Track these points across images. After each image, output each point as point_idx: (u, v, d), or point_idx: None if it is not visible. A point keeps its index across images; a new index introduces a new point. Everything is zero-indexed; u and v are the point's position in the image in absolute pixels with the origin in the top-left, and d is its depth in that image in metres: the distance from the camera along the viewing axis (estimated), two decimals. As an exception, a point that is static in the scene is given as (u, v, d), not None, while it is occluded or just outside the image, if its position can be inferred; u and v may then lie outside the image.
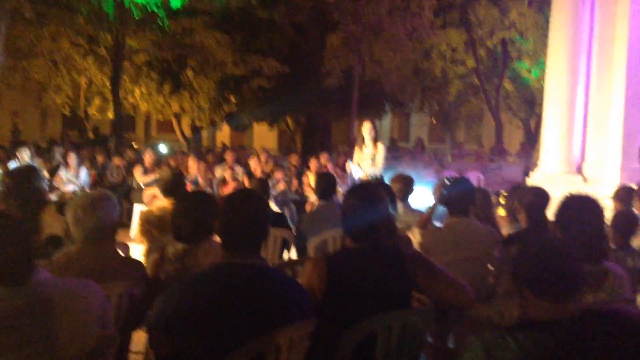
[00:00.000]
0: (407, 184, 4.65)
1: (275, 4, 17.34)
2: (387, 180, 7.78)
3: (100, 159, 11.50)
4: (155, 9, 16.95)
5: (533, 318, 1.64)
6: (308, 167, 11.10)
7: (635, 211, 4.50)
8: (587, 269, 1.77)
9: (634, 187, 5.07)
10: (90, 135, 20.23)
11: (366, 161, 7.47)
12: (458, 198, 3.53)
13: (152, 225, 4.23)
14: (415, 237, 3.67)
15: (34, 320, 2.04)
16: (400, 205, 4.52)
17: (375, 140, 7.40)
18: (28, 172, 3.93)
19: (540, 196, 3.63)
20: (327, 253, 2.76)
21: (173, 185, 4.34)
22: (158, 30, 17.07)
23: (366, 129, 7.49)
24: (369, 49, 17.32)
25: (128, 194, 9.50)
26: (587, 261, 2.30)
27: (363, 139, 7.51)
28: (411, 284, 2.51)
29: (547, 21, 17.92)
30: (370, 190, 2.68)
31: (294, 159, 11.70)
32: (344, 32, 16.78)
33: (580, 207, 2.76)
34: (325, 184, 4.77)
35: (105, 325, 2.26)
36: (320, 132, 19.98)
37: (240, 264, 2.24)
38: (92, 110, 20.35)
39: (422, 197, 4.86)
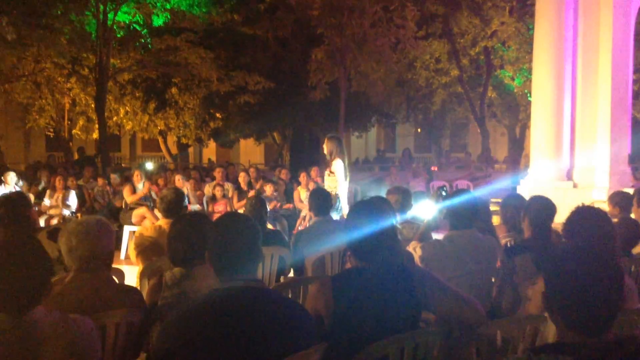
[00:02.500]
0: (404, 197, 4.60)
1: (258, 20, 17.36)
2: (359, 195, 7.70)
3: (88, 179, 11.36)
4: (138, 28, 16.94)
5: (562, 340, 1.57)
6: (298, 182, 11.03)
7: (633, 216, 4.48)
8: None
9: (629, 191, 5.05)
10: (76, 156, 20.02)
11: (329, 177, 7.43)
12: (461, 211, 3.48)
13: (147, 248, 4.13)
14: (415, 251, 3.61)
15: (24, 357, 1.97)
16: (397, 218, 4.46)
17: (332, 155, 7.29)
18: (18, 198, 3.83)
19: (547, 206, 3.59)
20: (335, 274, 2.67)
21: (175, 206, 4.24)
22: (141, 48, 17.03)
23: (325, 145, 7.45)
24: (354, 61, 17.35)
25: (114, 215, 9.35)
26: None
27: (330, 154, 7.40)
28: (420, 303, 2.45)
29: (528, 29, 18.18)
30: (376, 206, 2.61)
31: (283, 174, 11.63)
32: (328, 46, 16.80)
33: (591, 218, 2.72)
34: (321, 200, 4.70)
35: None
36: (307, 146, 19.96)
37: (239, 288, 2.16)
38: (76, 131, 20.18)
39: (417, 208, 4.79)
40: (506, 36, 19.66)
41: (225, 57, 17.55)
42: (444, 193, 3.91)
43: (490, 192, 11.58)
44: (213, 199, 9.89)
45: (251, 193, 9.88)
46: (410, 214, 4.78)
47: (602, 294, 1.56)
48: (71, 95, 18.40)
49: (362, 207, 2.69)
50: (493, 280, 3.65)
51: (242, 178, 10.57)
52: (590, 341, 1.54)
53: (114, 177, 10.52)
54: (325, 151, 7.37)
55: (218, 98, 18.34)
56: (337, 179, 7.09)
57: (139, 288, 3.49)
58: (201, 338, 2.06)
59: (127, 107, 18.64)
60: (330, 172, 7.25)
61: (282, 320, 2.15)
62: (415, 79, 21.76)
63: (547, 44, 9.47)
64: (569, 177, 9.65)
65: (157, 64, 16.68)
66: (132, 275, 4.25)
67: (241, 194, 10.10)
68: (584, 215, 2.80)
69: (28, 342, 2.02)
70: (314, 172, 11.21)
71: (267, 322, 2.11)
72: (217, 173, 10.68)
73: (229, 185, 10.39)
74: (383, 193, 5.25)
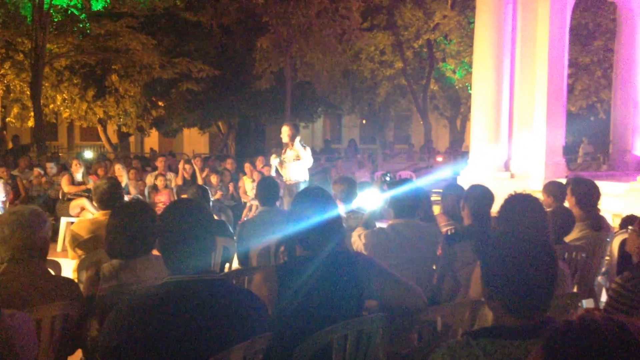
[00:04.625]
0: (349, 187, 4.63)
1: (202, 6, 17.05)
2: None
3: (23, 169, 10.91)
4: (76, 12, 16.32)
5: (498, 324, 1.61)
6: (243, 172, 10.95)
7: (567, 205, 4.65)
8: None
9: (563, 181, 5.25)
10: (10, 145, 19.18)
11: (290, 162, 7.54)
12: (405, 200, 3.53)
13: (84, 241, 4.00)
14: (361, 238, 3.64)
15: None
16: (342, 208, 4.49)
17: (293, 140, 7.50)
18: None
19: (486, 195, 3.69)
20: (280, 263, 2.66)
21: (109, 196, 4.09)
22: (80, 33, 16.44)
23: (284, 132, 7.59)
24: (299, 51, 17.32)
25: (50, 206, 9.02)
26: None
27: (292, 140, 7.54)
28: (364, 290, 2.47)
29: (469, 22, 18.58)
30: (320, 195, 2.60)
31: (229, 164, 11.51)
32: (273, 35, 16.70)
33: (523, 205, 2.81)
34: (267, 190, 4.66)
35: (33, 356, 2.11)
36: (253, 136, 19.83)
37: (194, 281, 2.07)
38: (11, 119, 19.32)
39: (361, 198, 4.85)
40: (448, 29, 20.04)
41: (168, 43, 17.16)
42: (387, 179, 3.97)
43: (431, 182, 11.81)
44: (155, 189, 9.69)
45: (181, 164, 9.80)
46: (355, 204, 4.83)
47: (538, 278, 1.61)
48: (5, 81, 17.56)
49: (306, 197, 2.67)
50: (434, 267, 3.73)
51: (181, 166, 10.34)
52: (526, 323, 1.60)
53: (50, 167, 10.14)
54: (287, 138, 7.46)
55: (160, 86, 17.93)
56: (306, 165, 7.33)
57: (75, 280, 3.38)
58: (154, 334, 1.96)
59: (64, 94, 17.97)
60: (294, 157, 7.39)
61: (239, 311, 2.10)
62: (361, 70, 21.92)
63: (487, 38, 9.70)
64: (507, 167, 9.95)
65: (96, 49, 16.13)
66: (69, 268, 4.12)
67: (185, 184, 9.93)
68: (516, 202, 2.89)
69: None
70: (259, 162, 11.15)
71: (224, 314, 2.05)
72: (160, 163, 10.47)
73: (171, 175, 10.20)
74: (329, 183, 5.29)
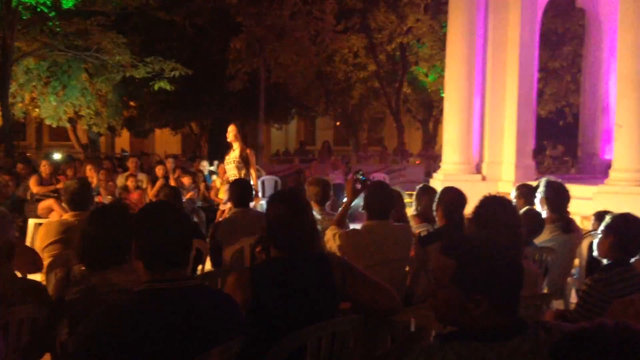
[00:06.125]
0: (324, 188, 4.63)
1: (175, 5, 16.89)
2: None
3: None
4: (45, 10, 16.00)
5: (470, 326, 1.61)
6: (216, 173, 10.87)
7: (536, 208, 4.72)
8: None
9: (533, 184, 5.33)
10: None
11: (231, 164, 7.54)
12: (378, 202, 3.54)
13: (53, 242, 3.92)
14: (335, 239, 3.63)
15: None
16: (317, 210, 4.49)
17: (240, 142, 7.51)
18: None
19: (459, 196, 3.73)
20: (254, 265, 2.64)
21: (80, 197, 4.01)
22: (49, 32, 16.13)
23: (230, 132, 7.59)
24: (273, 52, 17.28)
25: (18, 206, 8.82)
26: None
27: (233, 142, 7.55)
28: (338, 291, 2.47)
29: (441, 27, 18.78)
30: (296, 197, 2.59)
31: (202, 165, 11.41)
32: (246, 35, 16.63)
33: (497, 207, 2.84)
34: (241, 191, 4.64)
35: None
36: (226, 137, 19.72)
37: (170, 289, 2.02)
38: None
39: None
40: (421, 33, 20.22)
41: (140, 42, 16.95)
42: (360, 177, 3.94)
43: (404, 184, 11.89)
44: (125, 190, 9.55)
45: (160, 181, 9.62)
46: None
47: (519, 277, 1.64)
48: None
49: (283, 197, 2.66)
50: (407, 268, 3.75)
51: (159, 169, 10.21)
52: (505, 323, 1.60)
53: (21, 167, 9.94)
54: (232, 137, 7.45)
55: (132, 85, 17.69)
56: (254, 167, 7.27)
57: (44, 283, 3.30)
58: (131, 341, 1.91)
59: (33, 94, 17.62)
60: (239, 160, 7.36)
61: (216, 317, 2.07)
62: (334, 72, 21.96)
63: (459, 42, 9.82)
64: (478, 170, 10.08)
65: (66, 48, 15.84)
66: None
67: (161, 186, 9.80)
68: (491, 203, 2.92)
69: None
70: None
71: (200, 321, 2.01)
72: (131, 163, 10.33)
73: (143, 176, 10.07)
74: (303, 184, 5.28)
